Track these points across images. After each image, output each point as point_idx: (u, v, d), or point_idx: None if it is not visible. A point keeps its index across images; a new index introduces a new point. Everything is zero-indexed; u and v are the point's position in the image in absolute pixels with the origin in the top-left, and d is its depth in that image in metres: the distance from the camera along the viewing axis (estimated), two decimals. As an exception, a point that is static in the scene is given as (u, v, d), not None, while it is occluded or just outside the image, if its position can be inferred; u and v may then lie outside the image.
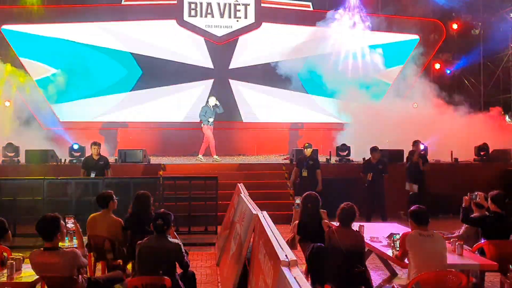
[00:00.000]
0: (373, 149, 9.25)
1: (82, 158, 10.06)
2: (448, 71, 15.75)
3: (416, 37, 15.19)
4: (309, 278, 4.72)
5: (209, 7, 14.46)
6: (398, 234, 4.75)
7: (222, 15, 14.51)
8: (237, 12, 14.58)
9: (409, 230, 4.59)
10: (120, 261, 5.20)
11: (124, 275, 4.81)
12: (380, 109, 13.28)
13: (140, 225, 5.06)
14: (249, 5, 14.61)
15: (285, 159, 12.42)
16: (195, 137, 12.63)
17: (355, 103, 13.29)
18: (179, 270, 4.39)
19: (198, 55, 14.40)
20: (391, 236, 5.02)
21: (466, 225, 5.55)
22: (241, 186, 7.31)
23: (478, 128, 12.54)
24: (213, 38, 14.41)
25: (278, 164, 11.53)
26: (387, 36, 14.94)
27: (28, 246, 5.87)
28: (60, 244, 4.23)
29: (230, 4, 14.54)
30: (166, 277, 4.02)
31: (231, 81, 14.52)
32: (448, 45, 15.58)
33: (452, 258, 4.58)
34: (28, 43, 13.60)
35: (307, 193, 5.46)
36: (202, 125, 11.85)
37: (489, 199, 5.38)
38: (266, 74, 14.38)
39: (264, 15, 14.60)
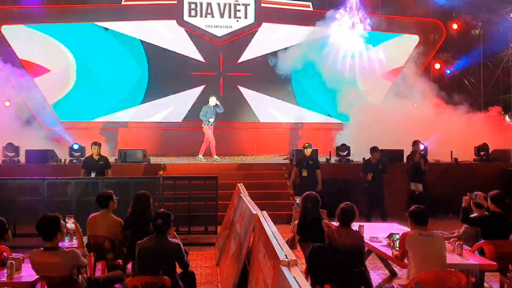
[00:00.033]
0: (373, 149, 9.26)
1: (82, 158, 10.08)
2: (448, 71, 15.73)
3: (416, 37, 15.18)
4: (309, 278, 4.71)
5: (209, 7, 14.45)
6: (398, 234, 4.77)
7: (222, 15, 14.50)
8: (237, 12, 14.56)
9: (409, 230, 4.60)
10: (120, 261, 5.20)
11: (124, 275, 4.81)
12: (380, 109, 13.30)
13: (140, 225, 5.04)
14: (249, 5, 14.60)
15: (285, 159, 12.42)
16: (195, 137, 12.63)
17: (355, 103, 13.30)
18: (179, 270, 4.40)
19: (198, 55, 14.39)
20: (390, 236, 5.03)
21: (466, 225, 5.55)
22: (241, 186, 7.31)
23: (478, 128, 12.54)
24: (213, 38, 14.40)
25: (278, 164, 11.53)
26: (387, 36, 14.94)
27: (28, 246, 5.86)
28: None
29: (230, 4, 14.53)
30: (166, 277, 4.02)
31: (231, 81, 14.50)
32: (448, 45, 15.56)
33: (451, 258, 4.58)
34: (28, 43, 13.58)
35: (307, 193, 5.45)
36: (202, 125, 11.85)
37: (488, 199, 5.38)
38: (266, 74, 14.36)
39: (264, 15, 14.59)
